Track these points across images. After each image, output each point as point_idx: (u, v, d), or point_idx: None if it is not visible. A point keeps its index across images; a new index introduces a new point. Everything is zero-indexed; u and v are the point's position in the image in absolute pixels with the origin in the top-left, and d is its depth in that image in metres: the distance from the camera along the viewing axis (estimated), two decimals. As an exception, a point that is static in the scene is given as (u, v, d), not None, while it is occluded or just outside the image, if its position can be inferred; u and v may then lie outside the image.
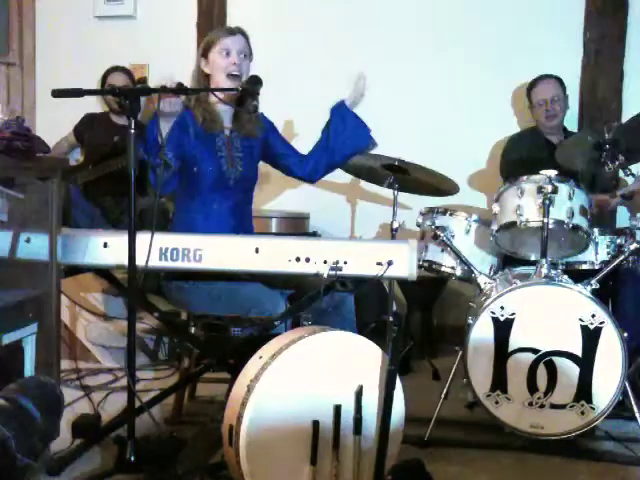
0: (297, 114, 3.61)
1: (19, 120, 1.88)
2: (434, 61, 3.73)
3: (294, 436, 1.71)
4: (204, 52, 2.34)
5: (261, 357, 1.73)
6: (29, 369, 1.94)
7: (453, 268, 2.66)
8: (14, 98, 4.16)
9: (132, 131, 1.83)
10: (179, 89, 2.05)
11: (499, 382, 2.29)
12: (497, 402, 2.30)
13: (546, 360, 2.27)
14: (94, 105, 3.95)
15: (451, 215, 2.65)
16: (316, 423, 1.72)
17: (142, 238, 1.87)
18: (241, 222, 2.38)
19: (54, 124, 3.80)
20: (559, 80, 3.37)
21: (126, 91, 1.92)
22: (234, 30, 2.35)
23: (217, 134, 2.33)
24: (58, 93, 1.79)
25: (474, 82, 3.68)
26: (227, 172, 2.32)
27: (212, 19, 3.96)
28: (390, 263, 1.92)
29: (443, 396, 2.38)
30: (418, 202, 2.99)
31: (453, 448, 2.31)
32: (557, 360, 2.27)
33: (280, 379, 1.70)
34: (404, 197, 2.87)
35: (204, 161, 2.28)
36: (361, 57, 3.67)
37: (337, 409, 1.74)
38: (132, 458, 1.79)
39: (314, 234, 3.46)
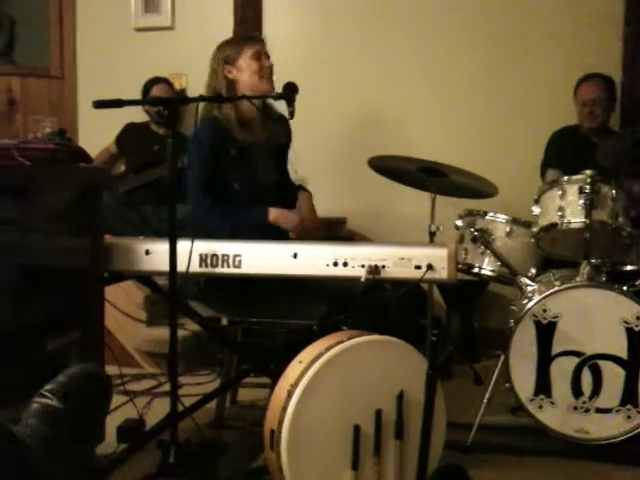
0: (326, 126, 3.63)
1: (62, 132, 1.93)
2: (468, 61, 3.70)
3: (335, 440, 1.71)
4: (231, 60, 2.38)
5: (301, 362, 1.74)
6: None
7: (493, 271, 2.62)
8: (57, 110, 4.26)
9: (171, 140, 1.86)
10: (216, 98, 2.08)
11: (543, 386, 2.26)
12: (541, 407, 2.26)
13: (591, 363, 2.23)
14: (135, 115, 4.03)
15: (491, 217, 2.62)
16: (357, 428, 1.71)
17: (182, 245, 1.90)
18: (280, 228, 2.40)
19: (96, 135, 3.88)
20: (607, 81, 3.30)
21: (165, 101, 1.95)
22: (259, 36, 2.41)
23: (252, 143, 2.36)
24: (99, 104, 1.82)
25: (509, 81, 3.64)
26: (263, 180, 2.34)
27: (248, 27, 4.00)
28: (429, 267, 1.91)
29: (485, 401, 2.35)
30: (456, 205, 2.97)
31: (495, 453, 2.27)
32: (602, 363, 2.22)
33: (320, 383, 1.70)
34: (441, 200, 2.85)
35: (243, 174, 2.31)
36: (395, 61, 3.67)
37: (378, 414, 1.74)
38: (175, 462, 1.82)
39: (351, 238, 3.46)
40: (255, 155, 2.35)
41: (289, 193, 2.46)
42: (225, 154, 2.30)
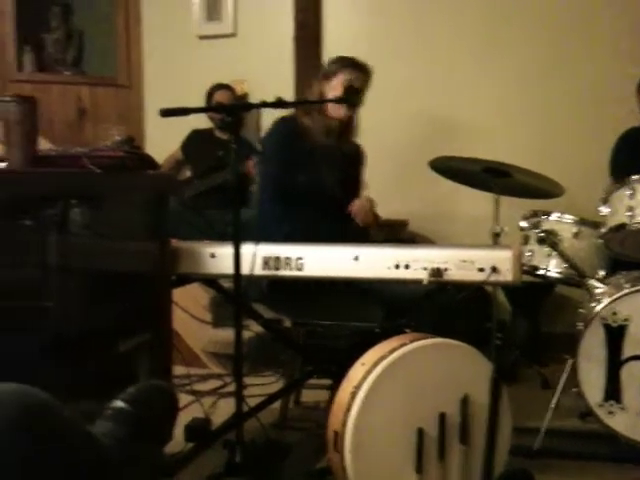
0: (387, 128, 3.62)
1: (130, 140, 1.99)
2: (531, 58, 3.63)
3: (399, 443, 1.71)
4: (328, 75, 2.45)
5: (364, 364, 1.74)
6: (144, 374, 2.05)
7: (560, 273, 2.56)
8: (124, 118, 4.40)
9: (235, 146, 1.90)
10: (279, 103, 2.11)
11: (613, 391, 2.19)
12: (611, 412, 2.20)
13: (663, 368, 2.15)
14: (199, 122, 4.12)
15: (557, 218, 2.56)
16: (421, 431, 1.71)
17: (246, 248, 1.94)
18: (347, 231, 2.43)
19: (162, 141, 3.99)
20: None
21: (228, 108, 2.00)
22: (362, 66, 2.46)
23: (323, 148, 2.41)
24: (166, 113, 1.87)
25: (574, 79, 3.55)
26: (326, 183, 2.38)
27: (308, 33, 4.03)
28: (493, 269, 1.89)
29: (553, 406, 2.30)
30: (520, 205, 2.91)
31: (563, 459, 2.22)
32: (675, 368, 2.14)
33: (383, 386, 1.70)
34: (505, 201, 2.81)
35: (308, 174, 2.35)
36: (455, 61, 3.63)
37: (442, 417, 1.73)
38: (240, 462, 1.85)
39: (413, 241, 3.44)
40: (323, 160, 2.40)
41: (352, 200, 2.50)
42: (294, 153, 2.35)
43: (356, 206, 2.44)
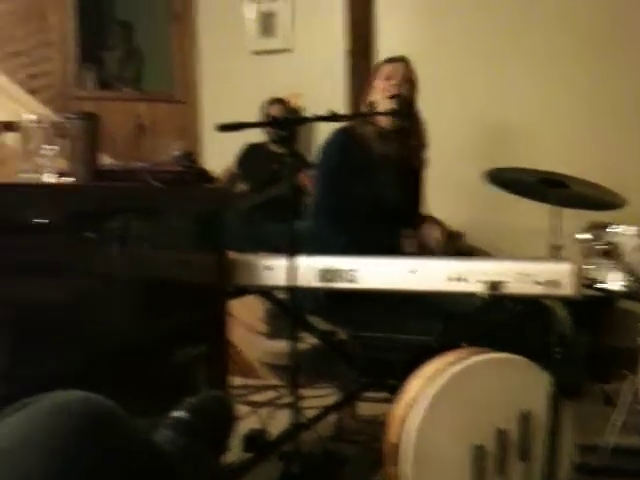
0: (443, 139, 3.59)
1: (188, 155, 2.04)
2: (588, 65, 3.55)
3: (457, 458, 1.68)
4: (369, 81, 2.45)
5: (421, 377, 1.73)
6: (201, 385, 2.08)
7: (622, 286, 2.49)
8: (182, 133, 4.50)
9: (290, 159, 1.93)
10: (332, 117, 2.13)
11: (679, 409, 2.11)
12: (677, 431, 2.11)
13: None
14: (254, 135, 4.18)
15: (618, 230, 2.49)
16: (479, 447, 1.68)
17: (301, 260, 1.95)
18: (395, 241, 2.42)
19: (218, 155, 4.06)
20: None
21: (283, 122, 2.02)
22: (396, 58, 2.45)
23: (382, 157, 2.40)
24: (222, 128, 1.91)
25: (631, 85, 3.46)
26: (386, 194, 2.37)
27: (362, 46, 4.05)
28: (553, 283, 1.85)
29: (615, 423, 2.23)
30: (579, 217, 2.85)
31: (624, 477, 2.15)
32: None
33: (441, 400, 1.68)
34: (563, 212, 2.75)
35: (367, 186, 2.36)
36: (510, 72, 3.59)
37: (500, 434, 1.69)
38: (297, 473, 1.85)
39: (469, 253, 3.39)
40: (382, 170, 2.39)
41: (411, 212, 2.48)
42: (353, 162, 2.35)
43: (426, 237, 2.39)
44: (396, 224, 2.43)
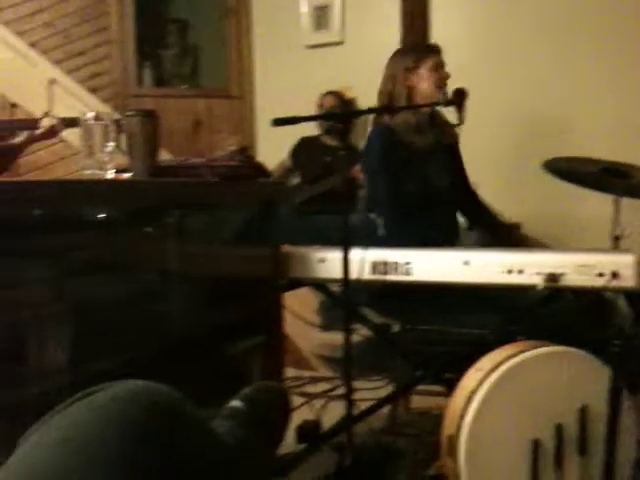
0: (498, 129, 3.54)
1: (244, 149, 2.07)
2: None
3: (514, 451, 1.67)
4: (411, 68, 2.43)
5: (480, 370, 1.72)
6: (257, 376, 2.11)
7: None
8: (237, 128, 4.56)
9: (343, 152, 1.93)
10: (386, 109, 2.12)
11: None
12: None
13: None
14: (308, 129, 4.20)
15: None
16: (536, 441, 1.66)
17: (355, 253, 1.96)
18: (453, 234, 2.40)
19: (272, 149, 4.10)
20: None
21: (337, 115, 2.03)
22: (438, 47, 2.45)
23: (423, 147, 2.39)
24: (277, 122, 1.92)
25: None
26: (436, 183, 2.36)
27: (415, 37, 4.01)
28: (614, 274, 1.80)
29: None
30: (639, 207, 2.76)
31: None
32: None
33: (499, 393, 1.67)
34: (625, 202, 2.67)
35: (416, 179, 2.35)
36: (565, 59, 3.50)
37: (558, 428, 1.67)
38: (351, 465, 1.86)
39: (526, 245, 3.33)
40: (427, 159, 2.38)
41: (465, 194, 2.47)
42: (397, 159, 2.34)
43: None
44: (451, 210, 2.41)
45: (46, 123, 2.37)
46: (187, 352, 1.78)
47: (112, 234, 1.67)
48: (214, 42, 4.84)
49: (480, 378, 1.68)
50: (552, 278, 1.84)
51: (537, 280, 1.86)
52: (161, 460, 0.77)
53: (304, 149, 4.02)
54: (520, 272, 1.88)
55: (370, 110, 2.11)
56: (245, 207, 2.12)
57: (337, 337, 3.12)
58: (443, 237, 2.36)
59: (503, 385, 1.67)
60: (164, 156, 2.39)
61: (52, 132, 2.41)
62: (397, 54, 2.52)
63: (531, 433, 1.66)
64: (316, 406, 2.63)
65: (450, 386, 1.82)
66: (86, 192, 1.56)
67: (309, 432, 2.05)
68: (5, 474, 0.76)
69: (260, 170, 2.11)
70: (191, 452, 0.82)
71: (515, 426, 1.67)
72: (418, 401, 2.72)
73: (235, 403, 1.39)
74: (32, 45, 4.22)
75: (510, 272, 1.89)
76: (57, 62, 4.29)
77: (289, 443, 2.07)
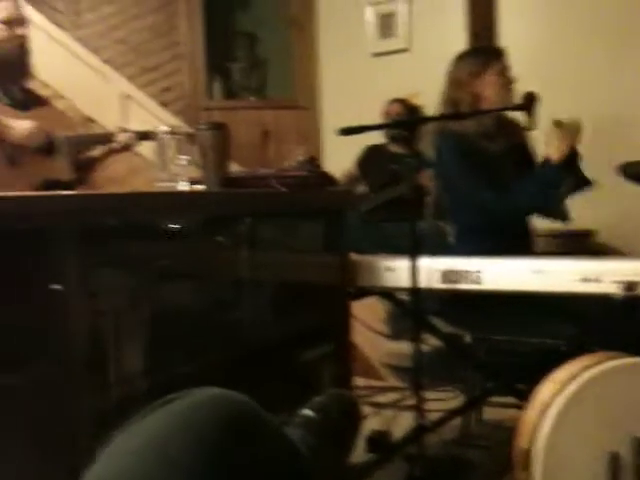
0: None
1: (312, 159, 2.09)
2: None
3: (590, 465, 1.61)
4: (477, 73, 2.39)
5: (555, 382, 1.67)
6: (326, 385, 2.12)
7: None
8: (304, 138, 4.60)
9: (410, 160, 1.92)
10: (455, 115, 2.10)
11: None
12: None
13: None
14: (375, 137, 4.19)
15: None
16: (615, 455, 1.60)
17: (423, 261, 1.94)
18: (525, 241, 2.35)
19: (339, 158, 4.12)
20: None
21: (404, 123, 2.02)
22: (503, 51, 2.41)
23: (494, 152, 2.35)
24: (345, 131, 1.93)
25: None
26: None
27: (482, 41, 3.96)
28: (696, 283, 1.72)
29: None
30: None
31: None
32: None
33: (575, 405, 1.62)
34: None
35: (492, 185, 2.31)
36: (634, 63, 3.39)
37: (637, 441, 1.60)
38: (422, 476, 1.84)
39: (601, 252, 3.23)
40: (501, 164, 2.34)
41: None
42: (472, 166, 2.31)
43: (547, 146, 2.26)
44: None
45: (122, 137, 2.46)
46: (258, 360, 1.80)
47: (186, 244, 1.71)
48: (281, 54, 4.91)
49: (555, 390, 1.64)
50: (630, 287, 1.77)
51: (614, 289, 1.79)
52: (243, 467, 0.78)
53: (370, 157, 4.02)
54: (596, 280, 1.82)
55: (437, 117, 2.09)
56: (313, 216, 2.14)
57: (405, 347, 3.10)
58: (518, 243, 2.31)
59: (579, 397, 1.62)
60: (233, 167, 2.43)
61: (127, 146, 2.50)
62: (461, 58, 2.47)
63: (609, 446, 1.60)
64: (385, 416, 2.61)
65: (522, 398, 1.77)
66: (161, 204, 1.61)
67: (379, 442, 2.04)
68: (90, 476, 0.79)
69: (328, 179, 2.12)
70: (272, 460, 0.83)
71: (592, 439, 1.62)
72: (490, 412, 2.66)
73: (306, 411, 1.40)
74: (106, 61, 4.38)
75: (586, 280, 1.84)
76: (130, 77, 4.45)
77: (358, 453, 2.06)
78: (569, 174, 2.29)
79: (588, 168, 3.27)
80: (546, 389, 1.68)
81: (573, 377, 1.63)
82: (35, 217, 1.28)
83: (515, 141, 2.42)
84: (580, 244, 3.46)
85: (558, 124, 2.23)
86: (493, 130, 2.38)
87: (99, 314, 1.45)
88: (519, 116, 2.23)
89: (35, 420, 1.29)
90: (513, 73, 2.41)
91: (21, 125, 2.25)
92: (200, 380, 0.96)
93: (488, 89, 2.36)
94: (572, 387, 1.62)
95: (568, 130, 2.23)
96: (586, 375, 1.63)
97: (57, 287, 1.30)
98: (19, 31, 2.36)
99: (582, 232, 3.50)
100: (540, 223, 3.62)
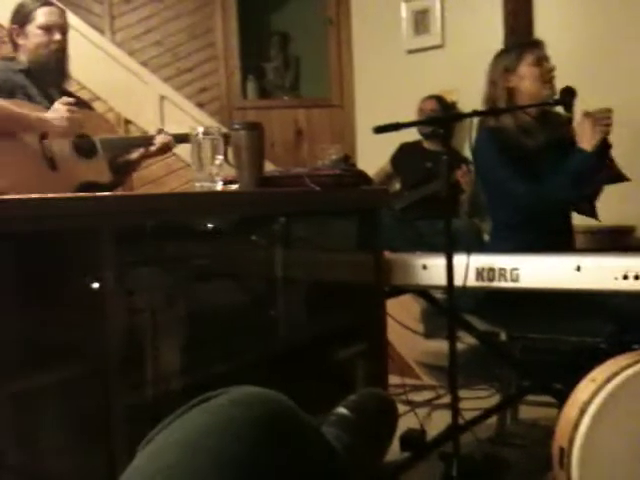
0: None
1: (346, 158, 2.09)
2: None
3: (629, 464, 1.59)
4: (511, 68, 2.36)
5: (594, 380, 1.65)
6: (361, 383, 2.12)
7: None
8: (338, 137, 4.60)
9: (445, 157, 1.91)
10: (490, 111, 2.08)
11: None
12: None
13: None
14: (409, 134, 4.17)
15: None
16: (655, 456, 1.57)
17: (459, 259, 1.93)
18: (566, 238, 2.32)
19: (373, 156, 4.11)
20: None
21: (439, 119, 2.01)
22: (538, 40, 2.37)
23: (535, 148, 2.31)
24: (379, 129, 1.92)
25: None
26: None
27: (519, 36, 3.90)
28: None
29: None
30: None
31: None
32: None
33: (614, 404, 1.59)
34: None
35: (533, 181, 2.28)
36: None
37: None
38: (457, 475, 1.83)
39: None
40: (540, 160, 2.30)
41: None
42: (511, 161, 2.27)
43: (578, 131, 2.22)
44: (566, 211, 2.33)
45: (160, 140, 2.49)
46: (293, 358, 1.81)
47: (222, 243, 1.73)
48: (314, 52, 4.91)
49: (594, 389, 1.61)
50: (673, 284, 1.74)
51: (655, 287, 1.76)
52: (280, 467, 0.78)
53: (404, 155, 4.00)
54: (637, 278, 1.79)
55: (472, 113, 2.07)
56: (348, 215, 2.14)
57: (441, 345, 3.08)
58: (558, 240, 2.28)
59: (618, 396, 1.59)
60: (267, 167, 2.45)
61: (166, 148, 2.53)
62: (497, 56, 2.45)
63: (649, 447, 1.58)
64: (420, 414, 2.60)
65: (559, 397, 1.75)
66: (199, 204, 1.63)
67: (414, 440, 2.04)
68: (132, 473, 0.80)
69: (362, 178, 2.12)
70: (308, 459, 0.83)
71: (631, 438, 1.59)
72: (526, 411, 2.63)
73: (341, 410, 1.39)
74: (143, 64, 4.45)
75: (626, 278, 1.80)
76: (167, 79, 4.51)
77: (393, 451, 2.06)
78: (601, 165, 2.24)
79: (626, 163, 3.22)
80: (585, 388, 1.65)
81: (613, 376, 1.61)
82: (74, 218, 1.31)
83: (558, 135, 2.36)
84: (620, 241, 3.39)
85: (588, 114, 2.19)
86: (533, 125, 2.34)
87: (136, 313, 1.48)
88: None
89: (74, 418, 1.32)
90: (551, 63, 2.36)
91: (54, 116, 2.22)
92: (236, 379, 0.97)
93: (524, 82, 2.33)
94: (611, 386, 1.59)
95: (598, 119, 2.18)
96: (625, 374, 1.60)
97: (95, 286, 1.33)
98: (57, 37, 2.40)
99: (622, 228, 3.43)
100: (579, 219, 3.58)
